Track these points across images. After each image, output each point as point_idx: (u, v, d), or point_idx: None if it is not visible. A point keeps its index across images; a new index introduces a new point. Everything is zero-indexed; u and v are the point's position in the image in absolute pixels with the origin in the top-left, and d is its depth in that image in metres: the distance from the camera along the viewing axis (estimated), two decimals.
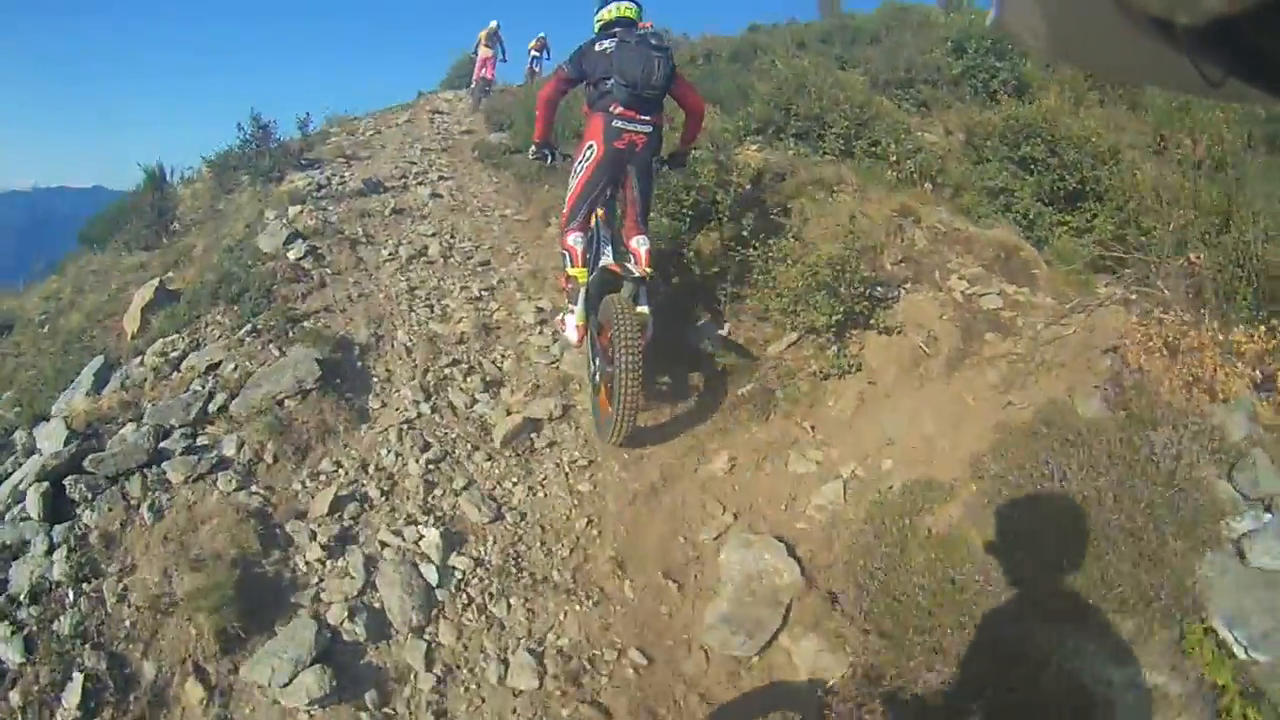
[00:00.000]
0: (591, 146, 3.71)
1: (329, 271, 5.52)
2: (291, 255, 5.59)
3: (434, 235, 6.61)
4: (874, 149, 6.06)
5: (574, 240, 3.77)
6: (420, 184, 7.85)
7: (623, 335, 3.27)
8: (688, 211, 5.12)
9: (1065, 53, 0.56)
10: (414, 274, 5.80)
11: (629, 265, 3.67)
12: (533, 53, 13.49)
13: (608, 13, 3.82)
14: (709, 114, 5.40)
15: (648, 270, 3.65)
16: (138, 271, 6.17)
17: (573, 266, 3.77)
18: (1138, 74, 0.55)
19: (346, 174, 7.89)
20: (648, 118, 3.66)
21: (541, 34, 13.52)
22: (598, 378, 3.79)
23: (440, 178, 8.12)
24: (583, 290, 3.71)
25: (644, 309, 3.54)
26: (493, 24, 12.44)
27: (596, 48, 3.72)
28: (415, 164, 8.54)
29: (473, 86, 12.00)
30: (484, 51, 12.01)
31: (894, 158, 5.82)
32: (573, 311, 3.79)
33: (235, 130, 8.19)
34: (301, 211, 6.41)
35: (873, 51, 9.33)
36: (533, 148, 4.20)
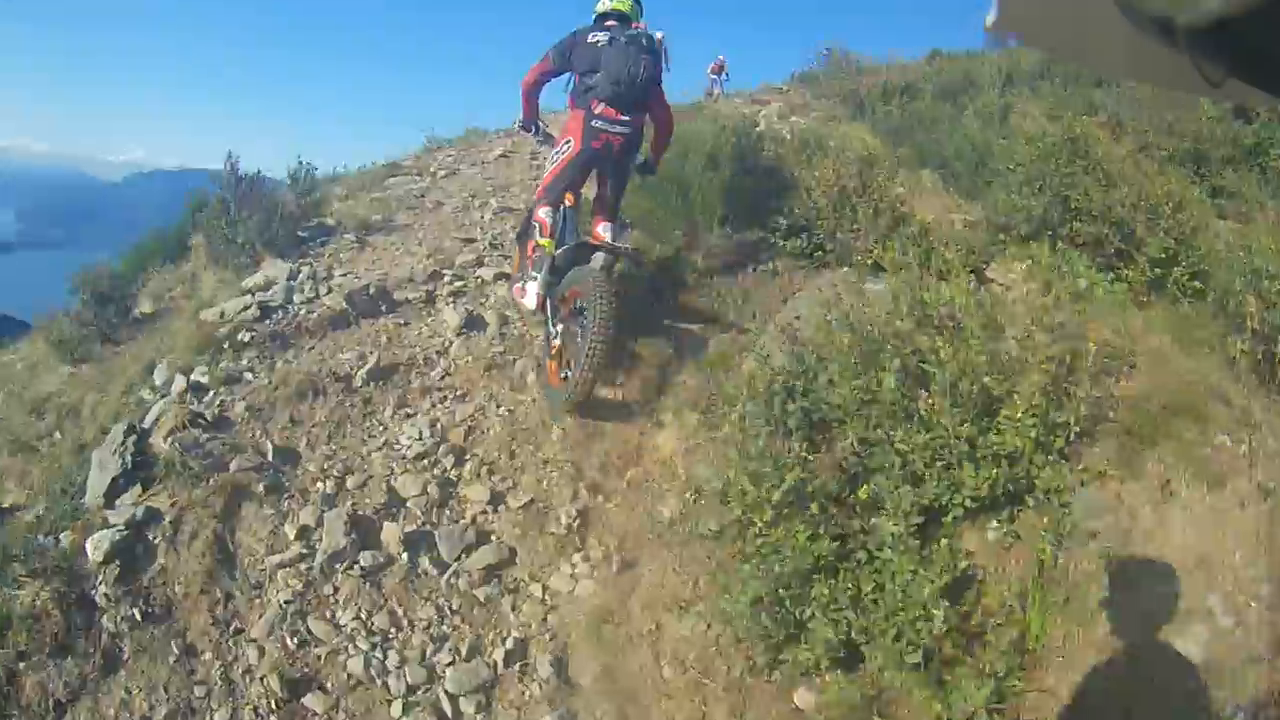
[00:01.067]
0: (569, 142, 3.71)
1: (146, 620, 2.45)
2: (100, 550, 2.53)
3: (423, 464, 3.25)
4: (1194, 283, 3.70)
5: (544, 213, 3.74)
6: (457, 294, 4.50)
7: (599, 305, 3.19)
8: None
9: (1065, 52, 0.56)
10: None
11: (614, 242, 3.73)
12: (711, 75, 13.20)
13: (603, 4, 3.79)
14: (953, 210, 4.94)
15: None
16: None
17: (542, 236, 3.72)
18: (1138, 74, 0.54)
19: (345, 267, 4.71)
20: (628, 118, 3.64)
21: (721, 56, 13.30)
22: (551, 347, 3.65)
23: (499, 276, 4.72)
24: (549, 260, 3.61)
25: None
26: (658, 35, 10.28)
27: (590, 39, 3.66)
28: (473, 241, 5.19)
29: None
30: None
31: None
32: (534, 279, 3.67)
33: (218, 178, 5.34)
34: (183, 401, 3.31)
35: (1102, 96, 6.97)
36: (519, 123, 4.17)
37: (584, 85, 3.64)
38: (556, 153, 3.82)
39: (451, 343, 4.08)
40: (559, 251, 3.60)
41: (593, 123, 3.60)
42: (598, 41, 3.60)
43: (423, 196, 6.08)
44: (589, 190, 4.09)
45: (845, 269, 4.24)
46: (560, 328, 3.57)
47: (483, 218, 5.69)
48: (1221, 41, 0.40)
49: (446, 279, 4.62)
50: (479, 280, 4.70)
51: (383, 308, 4.29)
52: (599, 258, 3.57)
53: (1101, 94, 7.52)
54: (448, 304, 4.37)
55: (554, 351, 3.61)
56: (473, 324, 4.24)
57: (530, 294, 3.68)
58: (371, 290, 4.33)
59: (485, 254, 5.07)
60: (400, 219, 5.58)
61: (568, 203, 3.81)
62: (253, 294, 4.32)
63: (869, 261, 3.91)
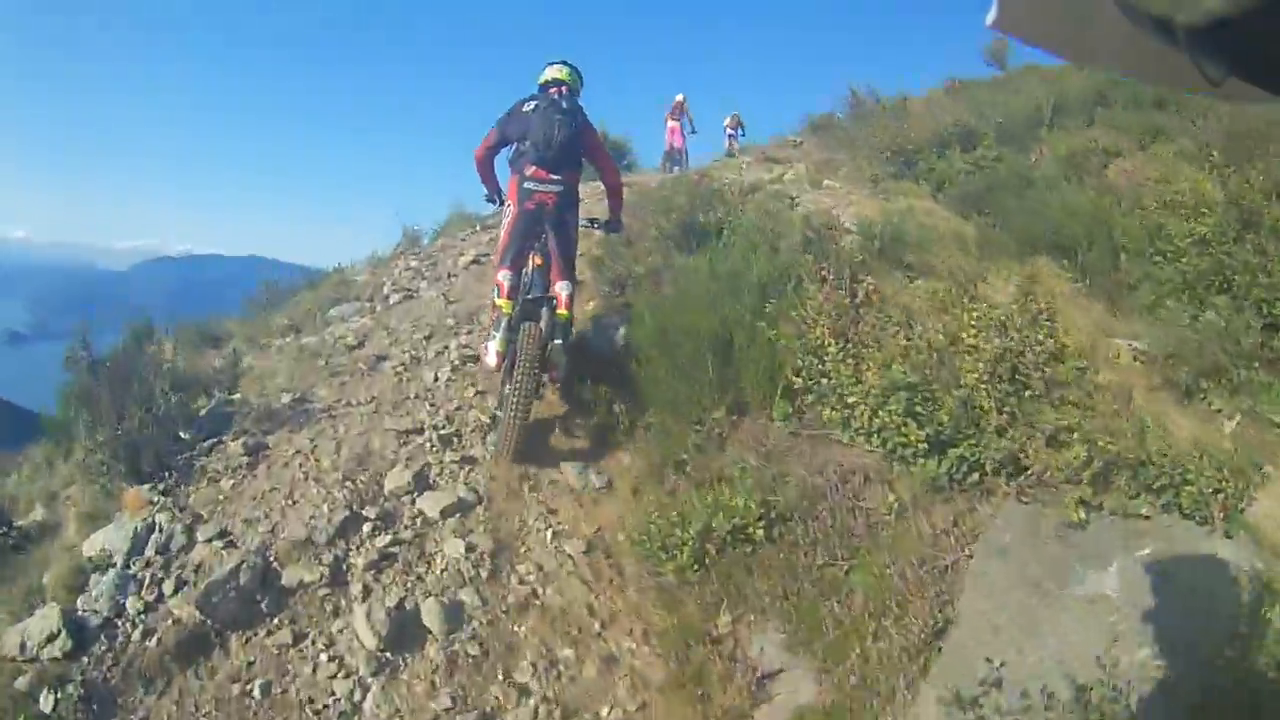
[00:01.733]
0: (509, 206, 3.86)
1: None
2: None
3: None
4: None
5: (503, 276, 3.80)
6: (380, 564, 2.90)
7: (522, 355, 3.44)
8: None
9: (1066, 52, 0.55)
10: None
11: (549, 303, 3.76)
12: (729, 130, 13.25)
13: (544, 75, 3.93)
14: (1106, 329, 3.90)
15: (563, 312, 3.71)
16: None
17: (499, 298, 3.78)
18: (1138, 73, 0.54)
19: (220, 514, 3.07)
20: (558, 177, 3.73)
21: (736, 112, 13.48)
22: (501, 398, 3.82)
23: (451, 508, 3.13)
24: (505, 320, 3.72)
25: (558, 342, 3.66)
26: (679, 97, 12.59)
27: (523, 108, 3.82)
28: (416, 434, 3.63)
29: (664, 156, 12.02)
30: (671, 124, 12.32)
31: None
32: (494, 338, 3.75)
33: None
34: None
35: (1165, 119, 6.27)
36: (485, 196, 4.24)
37: (517, 151, 3.86)
38: (504, 218, 3.98)
39: (367, 686, 2.48)
40: (515, 310, 3.76)
41: (525, 184, 3.77)
42: (527, 109, 3.80)
43: (360, 345, 4.46)
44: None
45: (1023, 498, 2.65)
46: (506, 386, 3.72)
47: (436, 380, 4.09)
48: (1221, 41, 0.40)
49: (365, 532, 3.01)
50: (418, 523, 3.10)
51: (263, 607, 2.70)
52: (539, 314, 3.71)
53: (1164, 117, 6.71)
54: (361, 596, 2.75)
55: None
56: (403, 635, 2.63)
57: (491, 352, 3.77)
58: (243, 578, 2.73)
59: (433, 459, 3.48)
60: (320, 394, 3.97)
61: (535, 262, 3.93)
62: (84, 584, 2.79)
63: (1077, 500, 2.39)
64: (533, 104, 3.78)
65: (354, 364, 4.25)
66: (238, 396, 4.01)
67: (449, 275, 5.47)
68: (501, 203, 4.06)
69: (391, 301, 5.11)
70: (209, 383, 4.13)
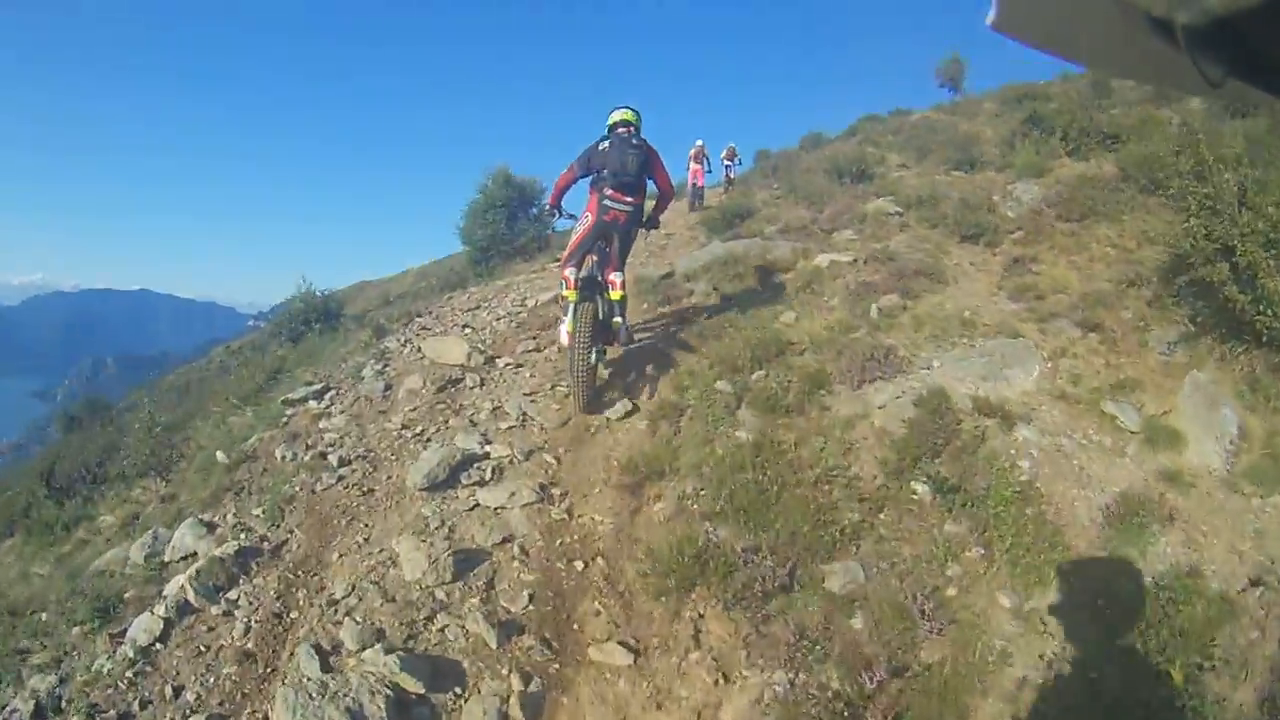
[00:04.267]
0: (588, 216, 4.99)
1: None
2: None
3: None
4: None
5: (569, 273, 4.96)
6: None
7: (578, 331, 4.71)
8: None
9: (1065, 52, 0.54)
10: None
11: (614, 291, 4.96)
12: (725, 161, 16.04)
13: (612, 118, 5.03)
14: None
15: (618, 294, 4.92)
16: None
17: (566, 290, 4.92)
18: (1138, 74, 0.54)
19: None
20: (629, 199, 4.93)
21: (731, 144, 16.39)
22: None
23: None
24: (572, 307, 4.80)
25: (618, 319, 4.93)
26: (699, 143, 14.80)
27: (599, 147, 4.98)
28: None
29: (689, 194, 14.21)
30: (693, 166, 14.61)
31: None
32: (564, 321, 4.89)
33: None
34: None
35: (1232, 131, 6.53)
36: (548, 208, 5.65)
37: (599, 178, 4.95)
38: (579, 225, 5.06)
39: None
40: (577, 297, 4.81)
41: (604, 201, 4.87)
42: (603, 148, 4.94)
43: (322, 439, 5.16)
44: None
45: None
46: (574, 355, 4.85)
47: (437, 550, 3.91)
48: (1221, 41, 0.40)
49: None
50: None
51: None
52: (594, 298, 4.89)
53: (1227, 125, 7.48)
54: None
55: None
56: None
57: (562, 333, 4.92)
58: None
59: None
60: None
61: (592, 258, 5.07)
62: None
63: None
64: (607, 143, 4.96)
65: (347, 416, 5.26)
66: None
67: (391, 402, 5.82)
68: (560, 215, 5.39)
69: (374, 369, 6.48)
70: None
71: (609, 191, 4.87)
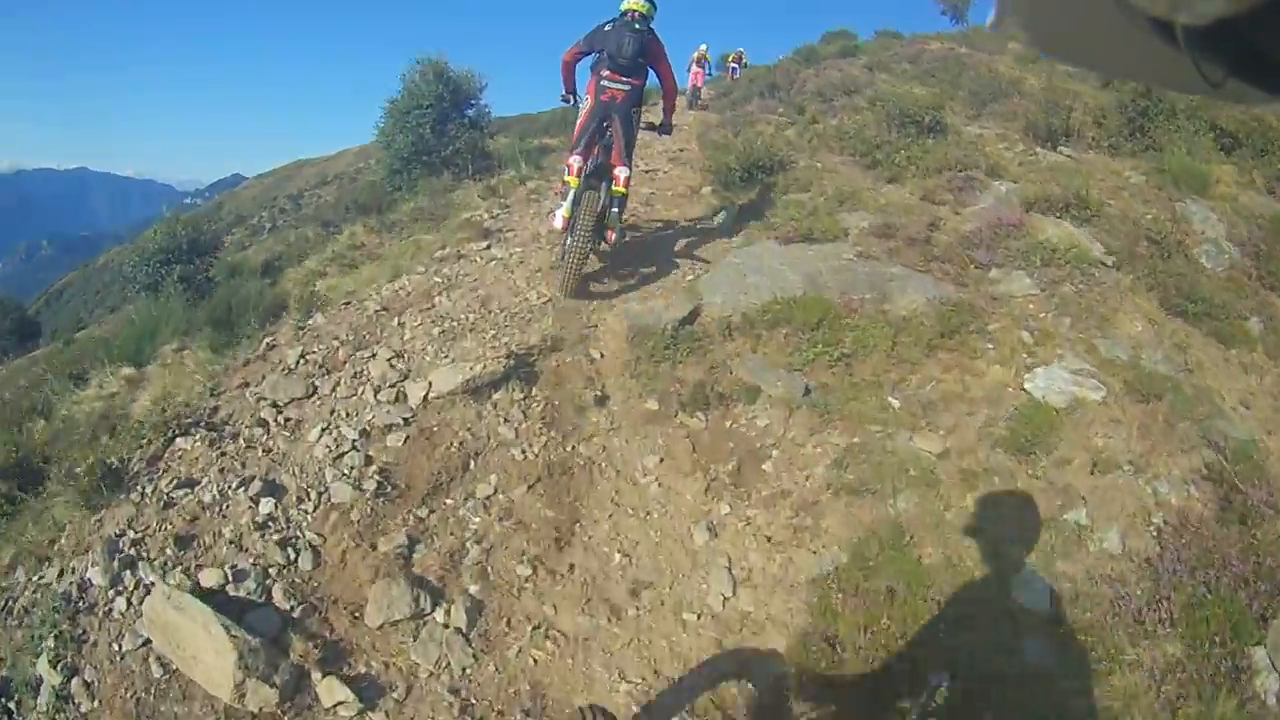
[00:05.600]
0: (587, 98, 5.02)
1: None
2: None
3: None
4: None
5: (573, 159, 4.91)
6: None
7: (579, 218, 4.73)
8: None
9: (1065, 52, 0.54)
10: None
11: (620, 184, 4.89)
12: (732, 64, 18.06)
13: (626, 5, 4.91)
14: None
15: (620, 189, 4.83)
16: None
17: (569, 175, 4.89)
18: (1138, 74, 0.52)
19: None
20: (626, 79, 4.88)
21: (740, 48, 18.49)
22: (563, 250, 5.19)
23: None
24: (572, 192, 4.80)
25: (615, 211, 4.87)
26: (702, 48, 15.87)
27: (605, 28, 4.94)
28: None
29: (688, 93, 15.09)
30: (695, 69, 15.71)
31: None
32: (562, 206, 4.84)
33: None
34: None
35: None
36: (561, 96, 5.49)
37: (596, 59, 5.00)
38: (580, 109, 5.09)
39: None
40: (580, 185, 4.80)
41: (601, 82, 4.90)
42: (606, 29, 4.94)
43: None
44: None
45: None
46: (566, 239, 5.03)
47: None
48: (1221, 41, 0.40)
49: None
50: None
51: None
52: (599, 187, 4.85)
53: None
54: None
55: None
56: None
57: (557, 217, 4.84)
58: None
59: None
60: None
61: (596, 154, 4.94)
62: None
63: None
64: (611, 24, 4.90)
65: None
66: None
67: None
68: (574, 102, 5.33)
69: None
70: None
71: (605, 72, 4.90)
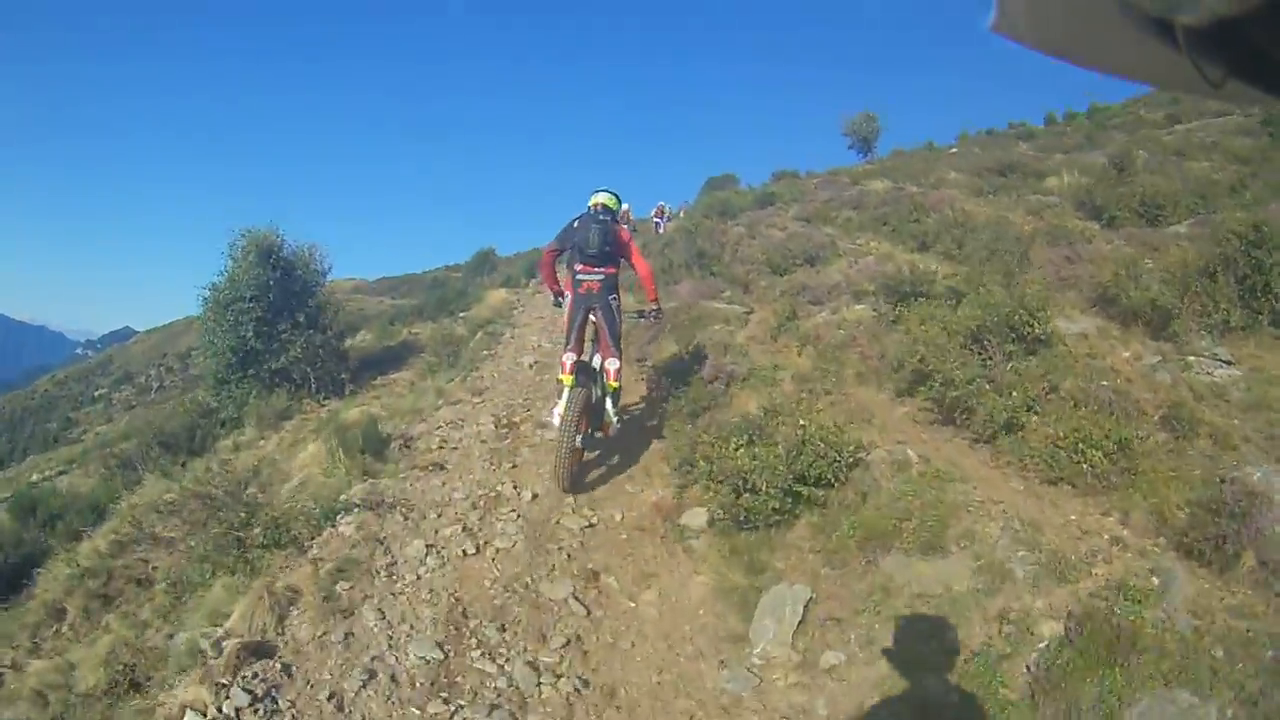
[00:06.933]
0: (567, 294, 5.31)
1: None
2: None
3: None
4: None
5: (565, 358, 5.07)
6: None
7: (568, 417, 4.83)
8: None
9: (1065, 53, 0.54)
10: None
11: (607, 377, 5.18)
12: (655, 219, 18.90)
13: (592, 201, 5.29)
14: None
15: (613, 384, 5.13)
16: None
17: (562, 374, 5.03)
18: (1138, 74, 0.52)
19: None
20: (599, 269, 5.12)
21: (661, 201, 19.68)
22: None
23: None
24: (567, 391, 4.96)
25: (609, 409, 5.20)
26: (661, 204, 19.36)
27: (573, 225, 5.21)
28: None
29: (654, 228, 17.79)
30: (656, 219, 18.59)
31: None
32: (559, 405, 5.03)
33: None
34: None
35: None
36: (553, 298, 5.74)
37: (571, 255, 5.25)
38: (565, 306, 5.38)
39: None
40: (573, 382, 4.96)
41: (576, 276, 5.17)
42: (575, 226, 5.19)
43: None
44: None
45: None
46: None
47: None
48: (1221, 42, 0.39)
49: None
50: None
51: None
52: (589, 384, 5.08)
53: None
54: None
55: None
56: None
57: (555, 415, 5.04)
58: None
59: None
60: None
61: (586, 352, 5.25)
62: None
63: None
64: (578, 220, 5.20)
65: None
66: None
67: None
68: (562, 302, 5.54)
69: None
70: None
71: (578, 266, 5.12)
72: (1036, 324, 5.25)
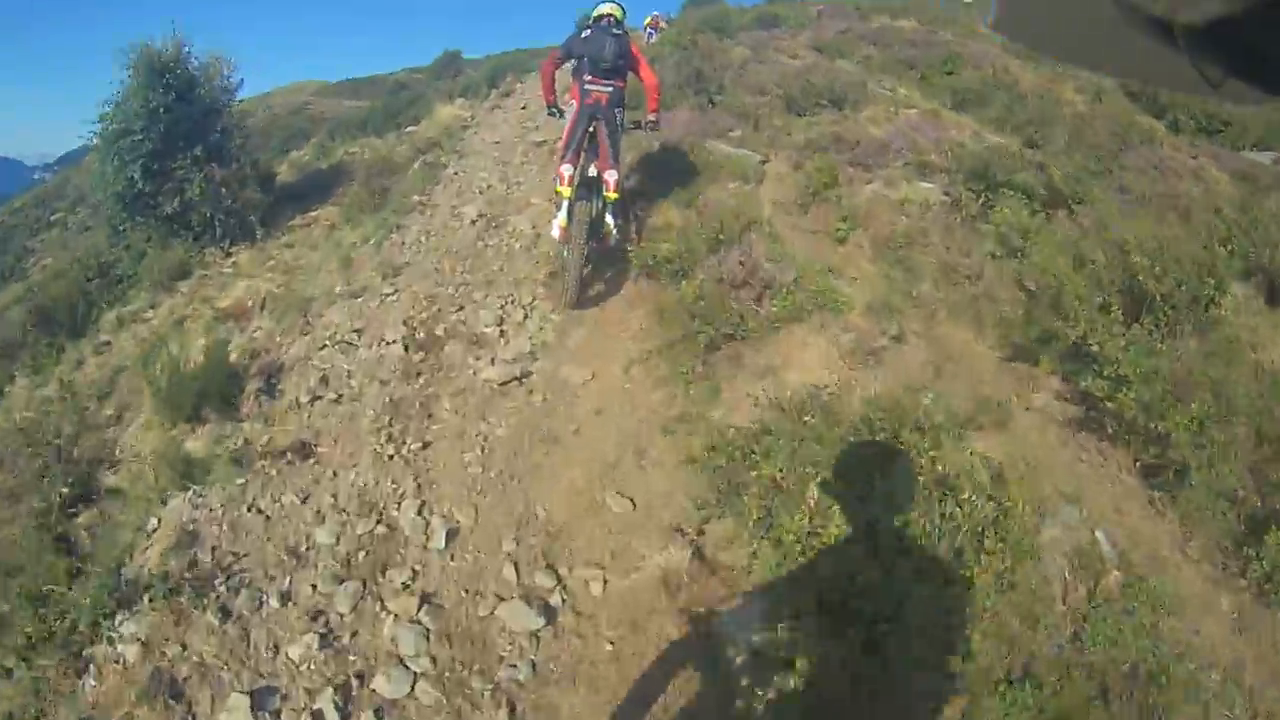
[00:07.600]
0: (572, 104, 5.10)
1: None
2: None
3: None
4: None
5: (564, 168, 4.85)
6: None
7: (575, 232, 4.78)
8: None
9: (1065, 53, 0.55)
10: None
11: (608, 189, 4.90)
12: (648, 28, 16.83)
13: (597, 11, 5.19)
14: None
15: (612, 195, 4.84)
16: None
17: (560, 186, 4.83)
18: (1138, 74, 0.54)
19: None
20: (608, 82, 4.99)
21: (655, 12, 18.70)
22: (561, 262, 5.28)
23: None
24: (565, 203, 4.83)
25: (609, 220, 4.94)
26: (654, 14, 17.48)
27: (581, 35, 5.11)
28: None
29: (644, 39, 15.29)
30: (647, 30, 16.31)
31: None
32: (558, 217, 4.88)
33: None
34: None
35: None
36: (548, 109, 5.68)
37: (579, 65, 5.13)
38: (567, 115, 5.18)
39: None
40: (573, 194, 4.82)
41: (584, 87, 5.01)
42: (584, 36, 5.11)
43: None
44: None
45: None
46: (564, 251, 5.12)
47: None
48: (1221, 41, 0.39)
49: None
50: None
51: None
52: (590, 196, 4.88)
53: None
54: None
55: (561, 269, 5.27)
56: None
57: (555, 227, 4.94)
58: None
59: None
60: None
61: (583, 160, 5.03)
62: None
63: None
64: (589, 31, 5.08)
65: None
66: None
67: None
68: (560, 113, 5.45)
69: None
70: None
71: (587, 76, 5.01)
72: (1212, 286, 3.66)
